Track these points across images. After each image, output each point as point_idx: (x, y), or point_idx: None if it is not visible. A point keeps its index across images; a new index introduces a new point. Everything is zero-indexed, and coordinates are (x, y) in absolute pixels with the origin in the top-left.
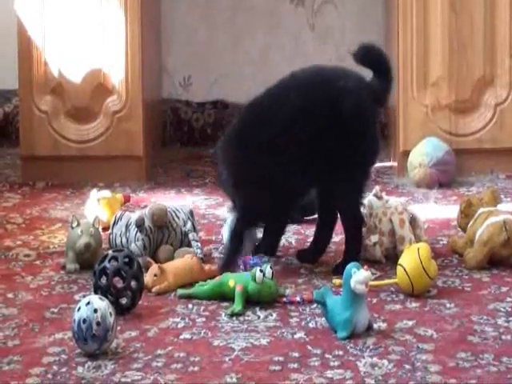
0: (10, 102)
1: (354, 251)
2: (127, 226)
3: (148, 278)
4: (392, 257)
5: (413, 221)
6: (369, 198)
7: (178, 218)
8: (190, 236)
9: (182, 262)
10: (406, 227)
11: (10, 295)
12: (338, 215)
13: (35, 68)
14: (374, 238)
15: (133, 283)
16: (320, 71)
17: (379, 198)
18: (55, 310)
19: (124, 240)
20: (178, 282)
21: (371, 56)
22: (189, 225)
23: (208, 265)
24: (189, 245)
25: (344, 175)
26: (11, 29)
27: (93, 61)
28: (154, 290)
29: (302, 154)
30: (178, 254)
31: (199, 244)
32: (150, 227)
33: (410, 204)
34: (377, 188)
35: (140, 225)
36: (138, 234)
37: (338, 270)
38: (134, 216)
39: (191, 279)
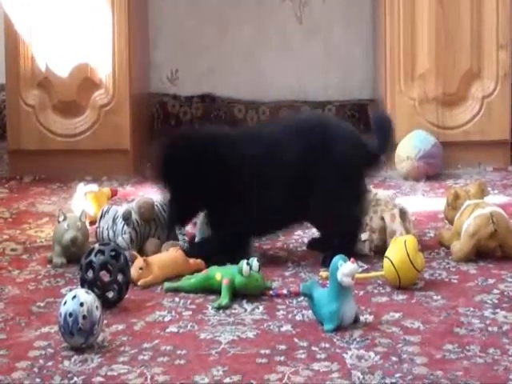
0: None
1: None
2: (114, 220)
3: (133, 271)
4: (380, 250)
5: (402, 214)
6: None
7: (165, 211)
8: (177, 229)
9: (167, 255)
10: (397, 221)
11: None
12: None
13: (22, 62)
14: (364, 236)
15: (119, 277)
16: (318, 117)
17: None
18: (42, 304)
19: (111, 233)
20: (164, 274)
21: (378, 120)
22: None
23: (193, 258)
24: (175, 239)
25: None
26: None
27: (80, 55)
28: (139, 283)
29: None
30: (165, 247)
31: (186, 237)
32: (136, 221)
33: (397, 197)
34: None
35: (127, 218)
36: (125, 227)
37: (326, 263)
38: (121, 209)
39: (177, 272)
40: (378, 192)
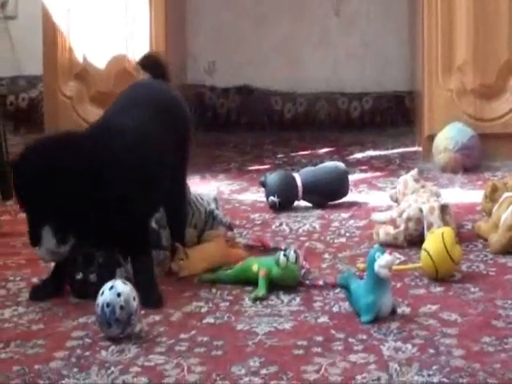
0: (35, 87)
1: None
2: None
3: (174, 262)
4: (416, 242)
5: (444, 208)
6: (405, 177)
7: (203, 199)
8: (215, 212)
9: (207, 247)
10: (436, 214)
11: (34, 279)
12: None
13: (60, 54)
14: (400, 221)
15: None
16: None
17: (416, 180)
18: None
19: None
20: (204, 266)
21: (153, 63)
22: (213, 205)
23: (235, 249)
24: (212, 227)
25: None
26: (36, 15)
27: (117, 46)
28: (180, 275)
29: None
30: (208, 236)
31: (225, 217)
32: None
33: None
34: (416, 170)
35: None
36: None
37: None
38: None
39: (217, 263)
40: (426, 184)
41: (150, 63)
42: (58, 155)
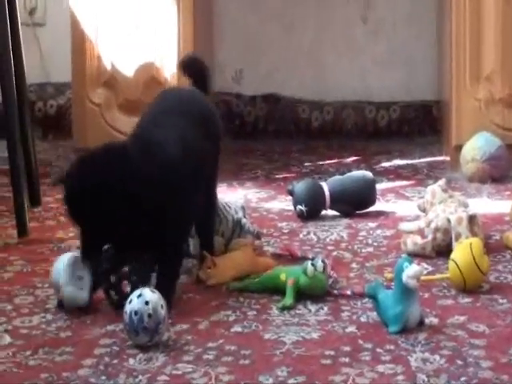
0: (63, 94)
1: None
2: None
3: (202, 271)
4: (444, 252)
5: (472, 218)
6: (433, 187)
7: (230, 207)
8: (243, 221)
9: (235, 255)
10: (464, 225)
11: None
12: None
13: (88, 61)
14: (428, 231)
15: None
16: (183, 93)
17: (444, 190)
18: (107, 302)
19: None
20: (232, 275)
21: (195, 67)
22: (240, 213)
23: (263, 258)
24: (240, 236)
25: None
26: (65, 22)
27: (145, 54)
28: (207, 283)
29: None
30: (235, 244)
31: (252, 226)
32: None
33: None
34: (443, 180)
35: None
36: None
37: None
38: None
39: (245, 272)
40: (454, 194)
41: (191, 66)
42: (106, 170)
